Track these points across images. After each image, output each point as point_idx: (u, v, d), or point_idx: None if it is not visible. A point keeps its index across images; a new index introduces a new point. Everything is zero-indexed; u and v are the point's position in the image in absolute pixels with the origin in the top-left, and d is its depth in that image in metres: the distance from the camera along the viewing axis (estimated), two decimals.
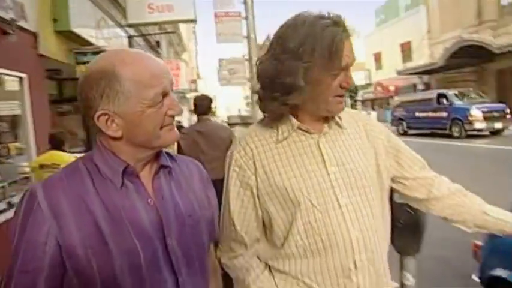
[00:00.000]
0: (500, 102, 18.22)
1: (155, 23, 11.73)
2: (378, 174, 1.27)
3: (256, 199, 1.22)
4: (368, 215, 1.19)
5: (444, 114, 17.62)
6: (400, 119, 21.51)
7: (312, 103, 1.15)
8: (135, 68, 0.93)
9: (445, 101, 17.76)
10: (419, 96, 21.45)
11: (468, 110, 16.33)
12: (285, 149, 1.20)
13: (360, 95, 38.42)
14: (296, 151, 1.20)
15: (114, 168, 0.96)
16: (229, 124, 7.63)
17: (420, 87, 27.19)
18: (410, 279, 1.84)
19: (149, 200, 0.98)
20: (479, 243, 3.07)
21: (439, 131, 18.00)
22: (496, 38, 20.56)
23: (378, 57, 36.50)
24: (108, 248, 0.90)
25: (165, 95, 0.97)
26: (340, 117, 1.25)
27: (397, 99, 23.30)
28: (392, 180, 1.35)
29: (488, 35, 21.52)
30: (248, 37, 6.46)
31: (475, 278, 3.11)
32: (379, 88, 33.50)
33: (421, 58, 28.05)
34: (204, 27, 22.83)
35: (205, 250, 1.12)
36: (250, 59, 6.49)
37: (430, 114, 18.66)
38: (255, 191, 1.21)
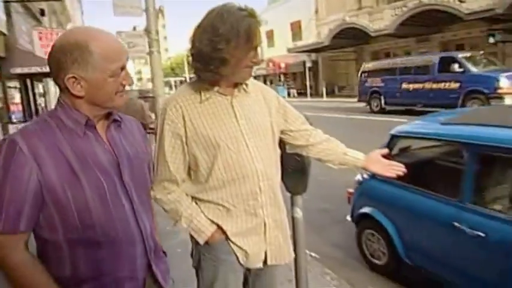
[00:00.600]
0: None
1: None
2: (271, 126, 1.71)
3: (185, 146, 1.59)
4: (267, 154, 1.65)
5: (455, 85, 12.90)
6: (375, 92, 16.41)
7: (232, 73, 1.53)
8: (104, 45, 1.18)
9: (456, 67, 12.78)
10: (406, 61, 15.78)
11: (496, 79, 11.77)
12: (206, 107, 1.59)
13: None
14: (215, 109, 1.59)
15: (78, 121, 1.21)
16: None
17: (308, 64, 29.16)
18: (299, 213, 2.38)
19: (105, 146, 1.26)
20: (351, 190, 3.83)
21: (445, 108, 11.28)
22: (373, 23, 22.97)
23: (270, 35, 37.80)
24: (80, 183, 1.16)
25: (122, 68, 1.23)
26: (246, 85, 1.67)
27: (369, 66, 17.77)
28: (282, 132, 1.81)
29: (366, 19, 23.92)
30: (147, 10, 6.48)
31: (348, 218, 3.88)
32: (271, 64, 34.95)
33: (310, 37, 30.01)
34: None
35: (148, 185, 1.43)
36: (149, 33, 6.50)
37: (430, 85, 13.81)
38: (184, 139, 1.58)
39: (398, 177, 1.83)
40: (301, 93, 31.45)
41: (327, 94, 26.97)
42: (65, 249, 1.20)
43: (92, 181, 1.19)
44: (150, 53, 6.64)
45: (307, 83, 29.56)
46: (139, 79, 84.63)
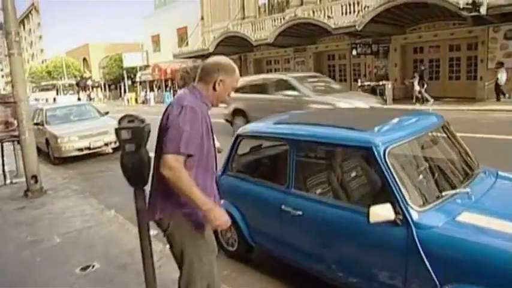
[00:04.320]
0: None
1: None
2: None
3: None
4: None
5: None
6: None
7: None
8: (236, 72, 2.27)
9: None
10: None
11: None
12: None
13: (138, 77, 38.62)
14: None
15: (207, 104, 2.23)
16: None
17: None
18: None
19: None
20: None
21: None
22: (255, 32, 24.23)
23: (156, 40, 37.37)
24: (208, 135, 2.19)
25: (233, 88, 2.28)
26: None
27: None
28: None
29: (250, 29, 25.13)
30: (5, 9, 6.12)
31: None
32: (156, 70, 34.52)
33: (196, 44, 30.38)
34: None
35: None
36: (8, 34, 6.14)
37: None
38: None
39: (244, 171, 2.25)
40: None
41: None
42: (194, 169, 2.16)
43: (209, 136, 2.21)
44: (10, 55, 6.27)
45: None
46: (8, 83, 76.00)
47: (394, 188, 2.47)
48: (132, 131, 2.45)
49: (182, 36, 33.66)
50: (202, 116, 2.12)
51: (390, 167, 2.53)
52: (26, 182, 6.55)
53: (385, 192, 2.53)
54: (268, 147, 4.19)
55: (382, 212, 2.37)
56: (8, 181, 7.49)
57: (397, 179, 2.49)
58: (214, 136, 2.32)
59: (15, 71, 6.37)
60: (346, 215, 2.74)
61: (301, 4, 23.07)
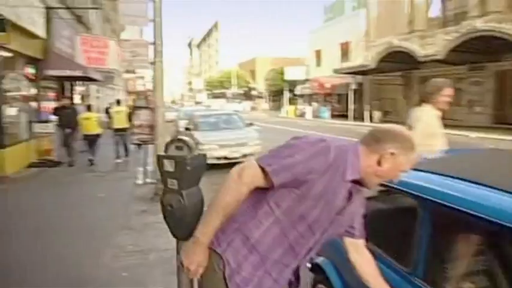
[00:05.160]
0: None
1: None
2: None
3: None
4: None
5: None
6: None
7: None
8: (414, 150, 1.54)
9: None
10: None
11: None
12: None
13: (298, 90, 39.34)
14: None
15: (348, 175, 1.50)
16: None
17: (353, 86, 28.36)
18: None
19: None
20: None
21: None
22: (423, 47, 21.88)
23: (318, 54, 37.45)
24: (320, 205, 1.50)
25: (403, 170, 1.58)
26: None
27: None
28: None
29: (417, 44, 22.86)
30: (154, 20, 6.37)
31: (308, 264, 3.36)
32: (315, 84, 34.47)
33: (358, 59, 29.23)
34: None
35: None
36: (155, 43, 6.38)
37: None
38: None
39: None
40: (345, 116, 30.71)
41: (370, 118, 25.98)
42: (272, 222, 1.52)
43: (324, 202, 1.51)
44: (155, 63, 6.50)
45: (351, 106, 28.78)
46: (191, 89, 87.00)
47: None
48: (175, 163, 1.81)
49: (345, 51, 32.90)
50: (335, 172, 1.49)
51: None
52: (155, 185, 6.70)
53: None
54: (388, 198, 3.03)
55: None
56: (147, 180, 7.87)
57: None
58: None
59: (157, 78, 6.59)
60: None
61: (482, 15, 19.80)
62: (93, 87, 20.37)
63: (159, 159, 1.87)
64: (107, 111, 17.00)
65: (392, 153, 1.51)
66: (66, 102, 11.34)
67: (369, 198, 2.88)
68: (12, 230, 5.17)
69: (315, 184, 1.45)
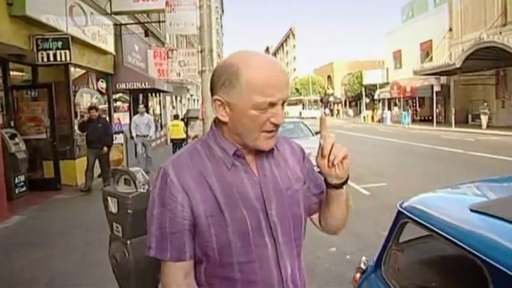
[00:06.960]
0: None
1: (139, 12, 11.61)
2: None
3: None
4: None
5: None
6: None
7: None
8: (254, 73, 1.05)
9: None
10: None
11: None
12: None
13: (376, 94, 37.43)
14: None
15: (225, 150, 1.13)
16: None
17: (436, 88, 26.07)
18: None
19: (254, 178, 1.15)
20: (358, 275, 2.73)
21: None
22: None
23: (397, 56, 35.34)
24: (224, 217, 1.08)
25: (273, 104, 1.07)
26: None
27: None
28: None
29: None
30: (201, 27, 6.14)
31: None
32: (395, 87, 32.40)
33: (441, 58, 26.88)
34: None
35: (301, 222, 1.22)
36: (202, 51, 6.14)
37: None
38: None
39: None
40: (427, 120, 28.45)
41: (456, 123, 23.66)
42: (203, 281, 1.16)
43: (235, 218, 1.11)
44: (202, 72, 6.26)
45: (436, 110, 26.57)
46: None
47: None
48: (117, 202, 1.38)
49: (426, 51, 30.56)
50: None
51: None
52: None
53: None
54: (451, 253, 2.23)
55: None
56: None
57: None
58: None
59: (206, 87, 6.34)
60: None
61: None
62: (168, 98, 21.17)
63: (103, 195, 1.46)
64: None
65: (217, 100, 1.16)
66: (94, 114, 8.65)
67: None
68: (90, 241, 5.05)
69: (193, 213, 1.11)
